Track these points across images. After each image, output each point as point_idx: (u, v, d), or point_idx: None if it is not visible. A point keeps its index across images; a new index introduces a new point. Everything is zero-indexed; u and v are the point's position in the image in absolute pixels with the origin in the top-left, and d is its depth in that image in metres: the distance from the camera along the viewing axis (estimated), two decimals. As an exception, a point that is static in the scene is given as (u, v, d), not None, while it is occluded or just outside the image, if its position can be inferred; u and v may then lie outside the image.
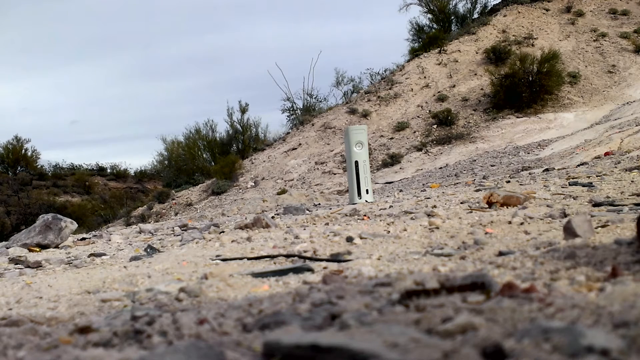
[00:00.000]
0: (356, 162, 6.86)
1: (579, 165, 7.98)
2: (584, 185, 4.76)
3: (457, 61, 19.76)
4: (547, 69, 16.47)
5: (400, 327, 1.04)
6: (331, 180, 15.03)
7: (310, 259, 2.48)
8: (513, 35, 20.69)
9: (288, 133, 19.74)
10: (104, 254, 3.61)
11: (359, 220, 4.03)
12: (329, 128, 18.05)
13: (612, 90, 17.28)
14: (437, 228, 3.13)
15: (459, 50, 20.22)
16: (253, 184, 16.59)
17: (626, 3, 22.24)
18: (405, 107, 18.23)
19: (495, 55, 19.05)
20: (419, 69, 19.81)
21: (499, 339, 0.94)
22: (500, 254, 2.10)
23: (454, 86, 18.63)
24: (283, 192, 13.53)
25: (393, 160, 15.29)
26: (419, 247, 2.61)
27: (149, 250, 3.44)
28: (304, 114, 20.67)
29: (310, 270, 2.21)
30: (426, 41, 21.61)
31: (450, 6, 23.62)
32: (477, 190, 5.53)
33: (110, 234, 5.68)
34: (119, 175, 36.31)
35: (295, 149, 17.71)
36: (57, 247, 4.40)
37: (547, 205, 3.66)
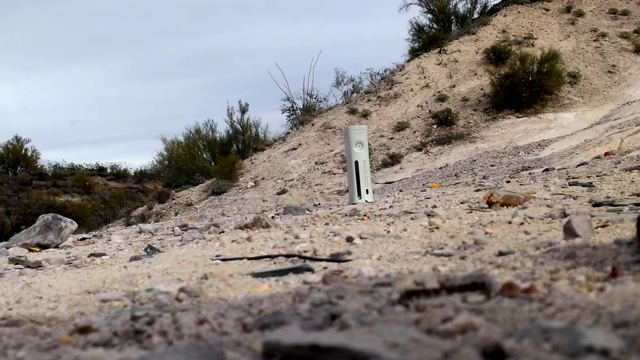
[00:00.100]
0: (356, 162, 6.86)
1: (579, 165, 7.98)
2: (584, 185, 4.76)
3: (457, 61, 19.76)
4: (547, 69, 16.48)
5: (400, 327, 1.04)
6: (331, 180, 15.03)
7: (310, 259, 2.49)
8: (513, 35, 20.69)
9: (288, 133, 19.74)
10: (104, 254, 3.61)
11: (359, 220, 4.03)
12: (329, 128, 18.05)
13: (612, 90, 17.28)
14: (437, 228, 3.13)
15: (459, 50, 20.22)
16: (253, 184, 16.59)
17: (626, 3, 22.25)
18: (405, 107, 18.23)
19: (495, 55, 19.05)
20: (419, 69, 19.81)
21: (499, 339, 0.94)
22: (500, 254, 2.10)
23: (454, 86, 18.63)
24: (283, 192, 13.53)
25: (393, 160, 15.29)
26: (419, 247, 2.61)
27: (149, 250, 3.44)
28: (304, 114, 20.67)
29: (310, 270, 2.21)
30: (426, 41, 21.61)
31: (450, 6, 23.63)
32: (477, 190, 5.53)
33: (110, 234, 5.68)
34: (119, 175, 36.32)
35: (295, 149, 17.71)
36: (57, 247, 4.40)
37: (547, 205, 3.66)
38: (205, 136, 23.09)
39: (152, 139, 52.94)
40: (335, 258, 2.47)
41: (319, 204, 9.56)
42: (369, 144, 13.52)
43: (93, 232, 7.53)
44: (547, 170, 8.11)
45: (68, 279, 2.58)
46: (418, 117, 17.55)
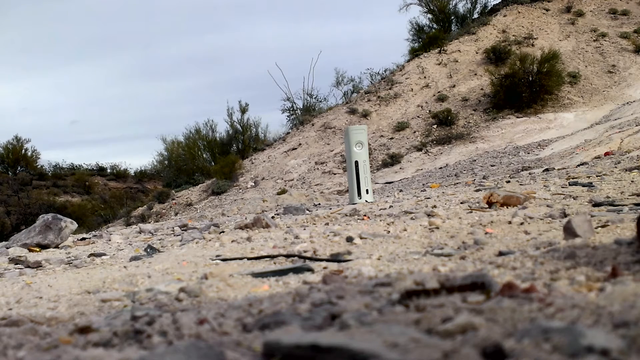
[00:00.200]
0: (356, 162, 6.86)
1: (579, 165, 7.98)
2: (584, 185, 4.76)
3: (457, 61, 19.76)
4: (547, 69, 16.48)
5: (400, 327, 1.04)
6: (331, 180, 15.03)
7: (310, 259, 2.48)
8: (513, 35, 20.69)
9: (288, 133, 19.74)
10: (104, 254, 3.61)
11: (359, 220, 4.03)
12: (329, 128, 18.05)
13: (612, 90, 17.28)
14: (437, 228, 3.13)
15: (459, 50, 20.22)
16: (253, 184, 16.59)
17: (626, 3, 22.25)
18: (405, 107, 18.23)
19: (495, 55, 19.06)
20: (419, 69, 19.81)
21: (499, 339, 0.94)
22: (500, 254, 2.10)
23: (454, 86, 18.63)
24: (283, 192, 13.53)
25: (393, 160, 15.29)
26: (419, 247, 2.61)
27: (149, 250, 3.44)
28: (304, 114, 20.67)
29: (310, 270, 2.21)
30: (426, 41, 21.61)
31: (450, 6, 23.63)
32: (477, 190, 5.53)
33: (110, 234, 5.68)
34: (119, 175, 36.32)
35: (295, 149, 17.71)
36: (57, 247, 4.40)
37: (547, 205, 3.66)
38: (205, 136, 23.09)
39: (152, 139, 53.01)
40: (335, 258, 2.47)
41: (319, 204, 9.56)
42: (369, 144, 13.52)
43: (93, 232, 7.53)
44: (547, 170, 8.11)
45: (68, 279, 2.58)
46: (418, 117, 17.55)
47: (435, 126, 16.71)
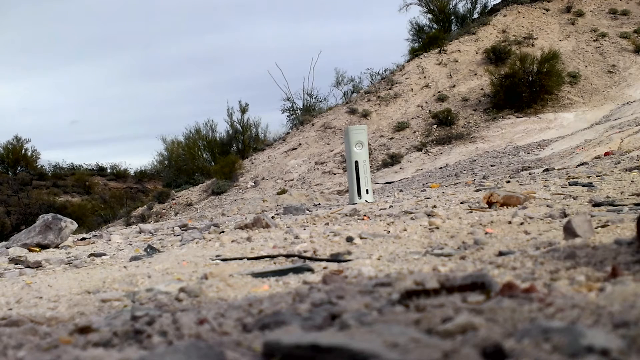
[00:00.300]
0: (356, 162, 6.86)
1: (579, 165, 7.98)
2: (584, 185, 4.76)
3: (457, 61, 19.76)
4: (547, 69, 16.48)
5: (400, 327, 1.04)
6: (331, 180, 15.03)
7: (310, 259, 2.48)
8: (513, 35, 20.69)
9: (288, 133, 19.74)
10: (104, 254, 3.61)
11: (359, 220, 4.03)
12: (329, 128, 18.05)
13: (612, 90, 17.28)
14: (437, 228, 3.13)
15: (459, 50, 20.22)
16: (253, 184, 16.59)
17: (626, 3, 22.25)
18: (405, 107, 18.23)
19: (495, 55, 19.06)
20: (419, 69, 19.81)
21: (499, 339, 0.93)
22: (500, 254, 2.10)
23: (454, 86, 18.63)
24: (283, 192, 13.53)
25: (393, 160, 15.29)
26: (419, 247, 2.61)
27: (149, 250, 3.44)
28: (304, 114, 20.67)
29: (310, 270, 2.21)
30: (426, 41, 21.61)
31: (450, 6, 23.63)
32: (477, 190, 5.53)
33: (110, 234, 5.68)
34: (119, 175, 36.32)
35: (295, 149, 17.71)
36: (57, 247, 4.40)
37: (547, 205, 3.66)
38: (205, 136, 23.10)
39: (152, 139, 53.02)
40: (335, 258, 2.47)
41: (319, 204, 9.56)
42: (369, 144, 13.52)
43: (93, 232, 7.53)
44: (547, 170, 8.11)
45: (68, 279, 2.58)
46: (418, 117, 17.55)
47: (435, 126, 16.71)
